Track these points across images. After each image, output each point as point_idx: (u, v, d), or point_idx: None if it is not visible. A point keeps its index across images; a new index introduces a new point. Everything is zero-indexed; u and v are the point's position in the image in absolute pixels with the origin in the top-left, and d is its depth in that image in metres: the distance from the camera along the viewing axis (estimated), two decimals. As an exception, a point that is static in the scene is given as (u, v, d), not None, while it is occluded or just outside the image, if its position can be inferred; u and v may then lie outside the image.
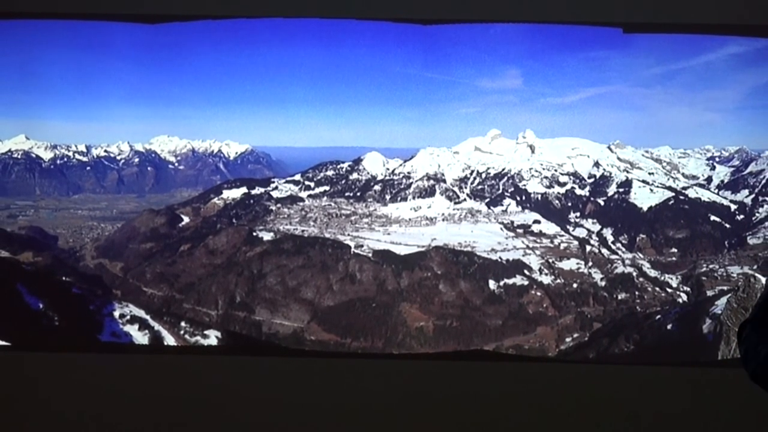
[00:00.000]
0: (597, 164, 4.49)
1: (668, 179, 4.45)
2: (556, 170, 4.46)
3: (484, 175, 4.47)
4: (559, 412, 3.58)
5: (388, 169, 4.53)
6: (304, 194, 4.45)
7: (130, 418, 3.61)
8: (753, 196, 4.36)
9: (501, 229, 4.34)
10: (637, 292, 4.17)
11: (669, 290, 4.20)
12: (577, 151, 4.50)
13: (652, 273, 4.23)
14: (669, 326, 4.12)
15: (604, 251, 4.29)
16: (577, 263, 4.26)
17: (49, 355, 3.79)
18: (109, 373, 3.67)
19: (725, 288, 4.08)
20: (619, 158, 4.52)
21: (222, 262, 4.27)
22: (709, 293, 4.13)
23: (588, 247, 4.29)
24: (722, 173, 4.45)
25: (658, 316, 4.16)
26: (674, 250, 4.26)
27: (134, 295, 4.21)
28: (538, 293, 4.19)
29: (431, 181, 4.47)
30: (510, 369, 3.83)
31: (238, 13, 3.79)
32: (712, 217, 4.32)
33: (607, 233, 4.35)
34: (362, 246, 4.26)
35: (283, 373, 3.71)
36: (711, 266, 4.20)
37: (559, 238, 4.33)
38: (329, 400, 3.62)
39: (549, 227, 4.37)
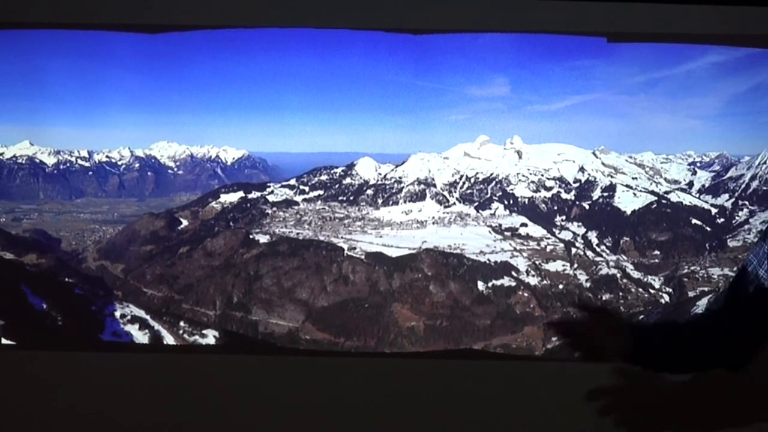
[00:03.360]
0: (582, 169, 4.52)
1: (651, 184, 4.48)
2: (542, 175, 4.48)
3: (473, 180, 4.49)
4: (545, 409, 3.63)
5: (380, 174, 4.55)
6: (299, 198, 4.47)
7: (130, 414, 3.66)
8: (733, 200, 4.40)
9: (489, 232, 4.36)
10: (620, 293, 4.22)
11: (652, 291, 4.25)
12: (563, 156, 4.52)
13: (636, 274, 4.28)
14: (652, 326, 4.19)
15: (589, 253, 4.33)
16: (563, 265, 4.30)
17: (52, 353, 3.84)
18: (111, 371, 3.72)
19: (706, 289, 4.14)
20: (603, 163, 4.55)
21: (219, 264, 4.30)
22: (691, 294, 4.18)
23: (573, 250, 4.33)
24: (703, 178, 4.48)
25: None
26: (657, 252, 4.30)
27: (135, 296, 4.24)
28: (526, 294, 4.23)
29: (422, 186, 4.50)
30: (498, 367, 3.88)
31: (235, 24, 3.83)
32: (694, 221, 4.36)
33: (592, 236, 4.38)
34: (355, 248, 4.30)
35: (279, 371, 3.76)
36: (692, 268, 4.25)
37: (546, 241, 4.36)
38: (323, 397, 3.68)
39: (536, 230, 4.39)
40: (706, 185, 4.48)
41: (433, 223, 4.40)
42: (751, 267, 1.76)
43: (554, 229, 4.41)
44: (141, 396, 3.67)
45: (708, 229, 4.34)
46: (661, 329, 1.71)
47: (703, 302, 4.09)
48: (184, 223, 4.46)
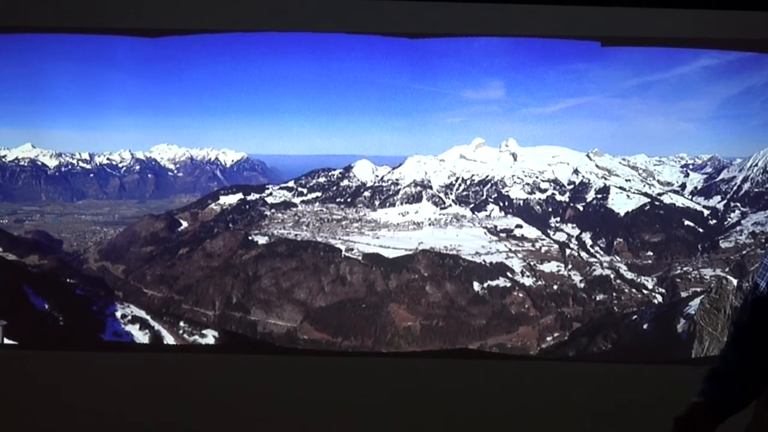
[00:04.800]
0: (576, 171, 4.57)
1: (644, 186, 4.53)
2: (537, 177, 4.53)
3: (468, 182, 4.54)
4: (539, 408, 3.64)
5: (377, 176, 4.60)
6: (297, 200, 4.51)
7: (131, 413, 3.68)
8: (725, 201, 4.45)
9: (485, 233, 4.41)
10: (614, 294, 4.26)
11: (645, 291, 4.29)
12: (558, 158, 4.56)
13: (629, 275, 4.32)
14: (645, 326, 4.23)
15: (583, 254, 4.37)
16: (558, 266, 4.35)
17: (54, 353, 3.85)
18: (111, 371, 3.74)
19: (698, 289, 4.19)
20: (597, 166, 4.60)
21: (219, 265, 4.34)
22: (683, 294, 4.23)
23: (568, 251, 4.38)
24: (695, 180, 4.53)
25: (635, 316, 4.26)
26: (650, 253, 4.34)
27: (135, 296, 4.28)
28: (520, 294, 4.27)
29: (418, 188, 4.55)
30: (493, 367, 3.91)
31: (234, 28, 3.86)
32: (686, 222, 4.41)
33: (586, 237, 4.43)
34: (352, 249, 4.34)
35: (277, 371, 3.79)
36: (685, 269, 4.29)
37: (540, 242, 4.41)
38: (321, 396, 3.69)
39: (530, 231, 4.44)
40: (699, 187, 4.53)
41: (430, 224, 4.45)
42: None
43: (549, 231, 4.46)
44: (141, 395, 3.69)
45: (700, 230, 4.39)
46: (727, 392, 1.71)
47: (695, 302, 4.14)
48: (184, 224, 4.50)
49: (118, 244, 4.49)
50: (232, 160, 4.77)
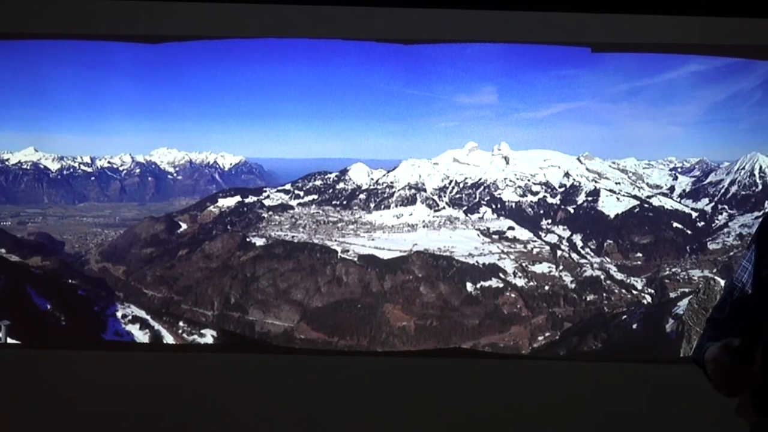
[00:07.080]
0: (567, 174, 4.61)
1: (634, 189, 4.58)
2: (529, 180, 4.57)
3: (462, 185, 4.58)
4: (531, 406, 3.72)
5: (372, 179, 4.64)
6: (294, 202, 4.55)
7: (131, 412, 3.76)
8: (712, 204, 4.50)
9: (478, 235, 4.46)
10: (604, 294, 4.31)
11: (634, 292, 4.34)
12: (549, 162, 4.61)
13: (619, 276, 4.37)
14: (634, 326, 4.28)
15: (574, 256, 4.42)
16: (549, 267, 4.39)
17: (56, 352, 3.92)
18: (112, 370, 3.81)
19: (687, 290, 4.24)
20: (587, 169, 4.65)
21: (217, 266, 4.39)
22: (672, 295, 4.28)
23: (559, 252, 4.42)
24: (684, 183, 4.58)
25: (624, 316, 4.30)
26: (639, 254, 4.39)
27: (136, 297, 4.32)
28: (513, 295, 4.32)
29: (413, 191, 4.59)
30: (486, 366, 3.97)
31: (232, 34, 3.94)
32: (675, 224, 4.46)
33: (577, 239, 4.47)
34: (348, 251, 4.39)
35: (275, 370, 3.86)
36: (674, 270, 4.34)
37: (532, 244, 4.46)
38: (317, 394, 3.76)
39: (522, 233, 4.49)
40: (687, 190, 4.56)
41: (424, 226, 4.49)
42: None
43: (540, 233, 4.51)
44: (141, 393, 3.75)
45: (689, 232, 4.44)
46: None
47: (683, 303, 4.20)
48: (184, 226, 4.54)
49: (119, 246, 4.53)
50: (230, 164, 4.81)
